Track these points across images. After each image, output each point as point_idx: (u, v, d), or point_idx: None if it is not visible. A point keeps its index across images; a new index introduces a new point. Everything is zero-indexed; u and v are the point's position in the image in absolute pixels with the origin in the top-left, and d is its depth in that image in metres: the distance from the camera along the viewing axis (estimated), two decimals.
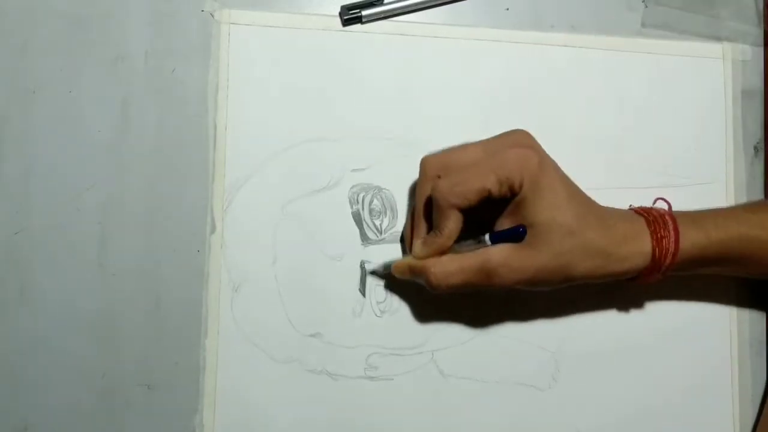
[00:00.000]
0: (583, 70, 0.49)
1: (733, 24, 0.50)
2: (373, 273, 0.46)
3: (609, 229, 0.41)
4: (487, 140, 0.42)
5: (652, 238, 0.41)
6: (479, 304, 0.47)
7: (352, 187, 0.47)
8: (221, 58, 0.47)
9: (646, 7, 0.50)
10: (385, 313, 0.46)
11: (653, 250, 0.41)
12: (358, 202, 0.47)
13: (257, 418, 0.45)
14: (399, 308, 0.46)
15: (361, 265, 0.46)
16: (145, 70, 0.47)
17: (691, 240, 0.41)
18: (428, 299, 0.46)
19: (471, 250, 0.41)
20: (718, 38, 0.50)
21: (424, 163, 0.43)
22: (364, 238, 0.47)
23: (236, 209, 0.46)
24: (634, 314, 0.47)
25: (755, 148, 0.50)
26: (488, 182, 0.40)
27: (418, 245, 0.43)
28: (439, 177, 0.41)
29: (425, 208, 0.43)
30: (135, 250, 0.46)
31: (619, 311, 0.47)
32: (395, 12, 0.48)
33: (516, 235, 0.40)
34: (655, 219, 0.41)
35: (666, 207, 0.43)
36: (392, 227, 0.47)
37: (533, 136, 0.42)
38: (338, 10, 0.48)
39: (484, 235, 0.40)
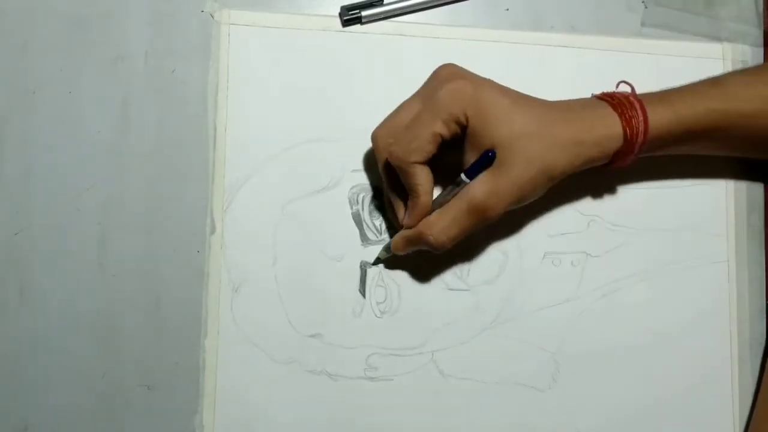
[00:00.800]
0: (583, 71, 0.49)
1: (733, 24, 0.50)
2: (378, 261, 0.46)
3: (573, 119, 0.41)
4: (420, 89, 0.43)
5: (621, 119, 0.41)
6: (479, 305, 0.47)
7: (352, 188, 0.47)
8: (221, 58, 0.47)
9: (646, 7, 0.50)
10: (385, 313, 0.46)
11: (624, 130, 0.41)
12: (358, 203, 0.47)
13: (257, 419, 0.45)
14: (399, 309, 0.46)
15: (361, 266, 0.46)
16: (145, 71, 0.47)
17: (659, 118, 0.41)
18: (428, 300, 0.46)
19: (452, 195, 0.41)
20: (717, 39, 0.50)
21: (375, 136, 0.43)
22: (364, 239, 0.47)
23: (236, 209, 0.46)
24: (634, 315, 0.47)
25: None
26: (436, 127, 0.40)
27: (403, 216, 0.43)
28: (391, 143, 0.42)
29: (392, 178, 0.43)
30: (135, 251, 0.46)
31: (619, 312, 0.47)
32: (395, 12, 0.48)
33: (487, 160, 0.40)
34: (620, 102, 0.42)
35: (629, 90, 0.43)
36: (392, 227, 0.47)
37: (458, 65, 0.42)
38: (338, 10, 0.48)
39: (459, 175, 0.41)
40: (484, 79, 0.42)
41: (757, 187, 0.49)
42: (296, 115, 0.47)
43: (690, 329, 0.48)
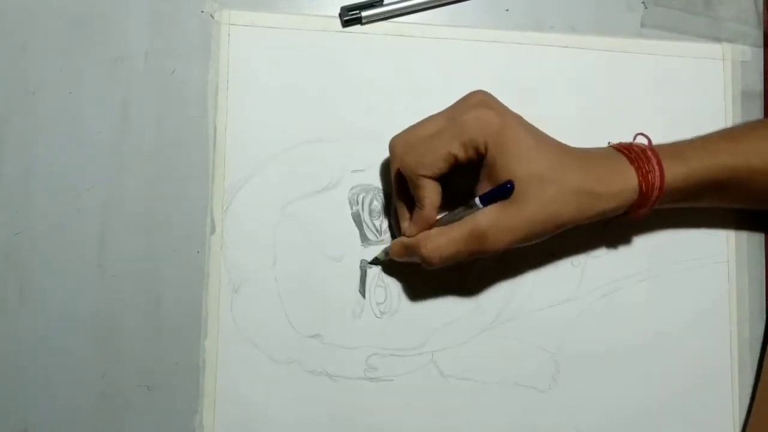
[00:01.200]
0: (583, 71, 0.49)
1: (733, 25, 0.50)
2: (376, 262, 0.46)
3: (591, 169, 0.41)
4: (448, 108, 0.42)
5: (637, 173, 0.41)
6: (479, 305, 0.47)
7: (351, 188, 0.47)
8: (221, 58, 0.47)
9: (646, 8, 0.50)
10: (385, 314, 0.46)
11: (640, 185, 0.41)
12: (357, 203, 0.47)
13: (257, 419, 0.45)
14: (399, 309, 0.46)
15: (361, 266, 0.46)
16: (145, 71, 0.47)
17: (674, 173, 0.41)
18: (428, 300, 0.46)
19: (462, 215, 0.41)
20: (717, 39, 0.50)
21: (392, 144, 0.43)
22: (364, 239, 0.47)
23: (236, 210, 0.46)
24: (635, 315, 0.47)
25: None
26: (452, 148, 0.40)
27: (406, 224, 0.43)
28: (406, 153, 0.42)
29: (402, 186, 0.43)
30: (135, 251, 0.46)
31: (619, 312, 0.47)
32: (395, 13, 0.48)
33: (504, 191, 0.39)
34: (637, 155, 0.42)
35: (646, 142, 0.43)
36: (392, 229, 0.47)
37: (492, 94, 0.42)
38: (338, 11, 0.48)
39: (473, 199, 0.40)
40: (512, 113, 0.41)
41: None
42: (296, 115, 0.47)
43: (690, 329, 0.48)
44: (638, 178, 0.41)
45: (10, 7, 0.47)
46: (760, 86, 0.50)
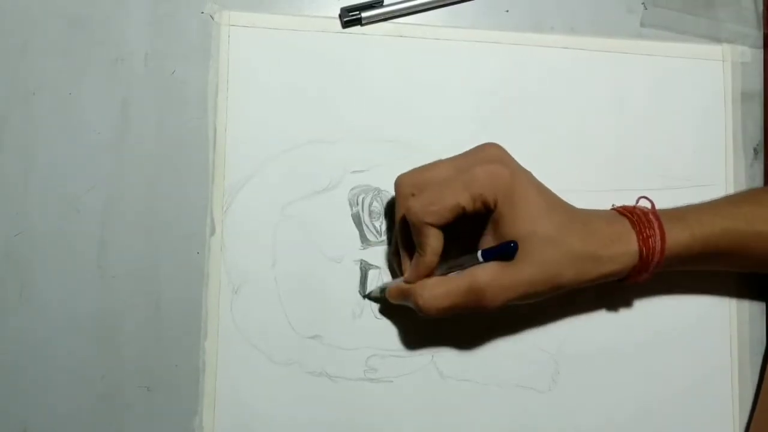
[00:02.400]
0: (583, 72, 0.49)
1: (733, 26, 0.50)
2: (371, 298, 0.46)
3: (592, 232, 0.41)
4: (458, 156, 0.42)
5: (638, 238, 0.41)
6: None
7: (351, 189, 0.47)
8: (221, 59, 0.47)
9: (646, 8, 0.50)
10: (385, 314, 0.46)
11: (640, 250, 0.41)
12: (357, 204, 0.47)
13: (257, 420, 0.45)
14: (398, 310, 0.46)
15: (361, 267, 0.46)
16: (145, 72, 0.47)
17: (676, 238, 0.41)
18: None
19: (463, 266, 0.41)
20: (717, 40, 0.50)
21: (398, 183, 0.43)
22: (364, 240, 0.47)
23: (236, 211, 0.46)
24: (634, 316, 0.47)
25: (755, 150, 0.50)
26: (461, 199, 0.40)
27: (406, 265, 0.43)
28: (413, 195, 0.41)
29: (406, 230, 0.43)
30: (135, 252, 0.46)
31: (619, 313, 0.47)
32: (395, 14, 0.48)
33: (507, 250, 0.40)
34: (639, 219, 0.41)
35: (649, 206, 0.43)
36: (390, 230, 0.47)
37: (504, 148, 0.42)
38: (338, 11, 0.48)
39: (476, 252, 0.40)
40: (523, 170, 0.41)
41: None
42: (296, 116, 0.47)
43: (690, 330, 0.48)
44: (639, 242, 0.41)
45: (10, 7, 0.47)
46: (759, 87, 0.50)
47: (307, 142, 0.47)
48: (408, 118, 0.48)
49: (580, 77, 0.49)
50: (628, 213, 0.42)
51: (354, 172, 0.47)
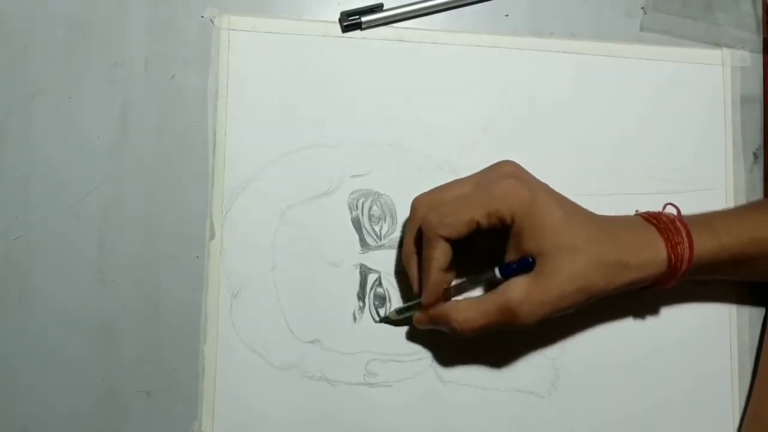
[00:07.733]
0: (583, 77, 0.49)
1: (732, 30, 0.50)
2: (387, 321, 0.46)
3: (619, 240, 0.41)
4: (476, 174, 0.42)
5: (666, 245, 0.41)
6: None
7: (351, 193, 0.47)
8: (221, 64, 0.47)
9: (645, 13, 0.50)
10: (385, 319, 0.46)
11: (669, 257, 0.41)
12: (357, 208, 0.47)
13: (256, 424, 0.45)
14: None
15: (360, 271, 0.46)
16: (144, 76, 0.47)
17: (704, 245, 0.41)
18: None
19: (480, 282, 0.42)
20: (717, 44, 0.50)
21: (416, 203, 0.43)
22: (364, 244, 0.47)
23: (235, 215, 0.46)
24: (635, 322, 0.47)
25: (754, 154, 0.50)
26: (477, 214, 0.40)
27: (415, 286, 0.44)
28: (431, 210, 0.42)
29: (418, 248, 0.43)
30: (134, 256, 0.46)
31: (620, 320, 0.47)
32: (395, 18, 0.48)
33: (526, 265, 0.40)
34: (666, 226, 0.41)
35: (675, 212, 0.43)
36: (391, 233, 0.47)
37: (520, 164, 0.42)
38: (338, 16, 0.48)
39: (493, 268, 0.41)
40: (541, 184, 0.41)
41: None
42: (296, 120, 0.47)
43: (690, 336, 0.48)
44: (667, 249, 0.40)
45: (11, 12, 0.47)
46: (759, 91, 0.50)
47: (306, 146, 0.47)
48: (408, 122, 0.48)
49: (579, 82, 0.49)
50: (654, 219, 0.42)
51: (354, 176, 0.47)
